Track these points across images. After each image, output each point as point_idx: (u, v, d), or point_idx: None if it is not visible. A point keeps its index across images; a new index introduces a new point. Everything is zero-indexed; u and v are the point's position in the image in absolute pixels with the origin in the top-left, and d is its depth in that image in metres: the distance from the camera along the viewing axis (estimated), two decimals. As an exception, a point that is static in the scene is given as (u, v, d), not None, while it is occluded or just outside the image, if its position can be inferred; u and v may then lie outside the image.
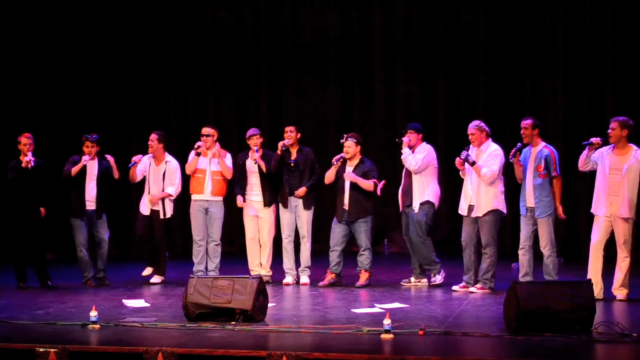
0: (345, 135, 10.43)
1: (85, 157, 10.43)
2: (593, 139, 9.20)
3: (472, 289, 9.79)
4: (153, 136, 10.78)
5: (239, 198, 10.69)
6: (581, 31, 13.13)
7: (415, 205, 10.18)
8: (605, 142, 9.20)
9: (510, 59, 13.42)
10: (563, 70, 13.21)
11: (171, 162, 10.86)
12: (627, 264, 9.06)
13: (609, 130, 9.10)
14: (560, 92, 13.24)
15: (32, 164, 10.17)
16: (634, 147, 9.10)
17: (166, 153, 10.84)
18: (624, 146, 9.07)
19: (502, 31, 13.45)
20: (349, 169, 10.36)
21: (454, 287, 9.93)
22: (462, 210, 9.93)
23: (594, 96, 13.08)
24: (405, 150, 10.23)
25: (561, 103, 13.23)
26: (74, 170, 10.40)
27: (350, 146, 10.33)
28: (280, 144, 10.47)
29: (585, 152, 9.23)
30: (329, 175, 10.44)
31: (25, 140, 10.30)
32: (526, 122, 9.57)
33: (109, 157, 10.64)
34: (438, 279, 10.25)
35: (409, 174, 10.28)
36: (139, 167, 10.73)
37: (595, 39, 13.07)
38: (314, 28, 14.04)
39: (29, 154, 10.22)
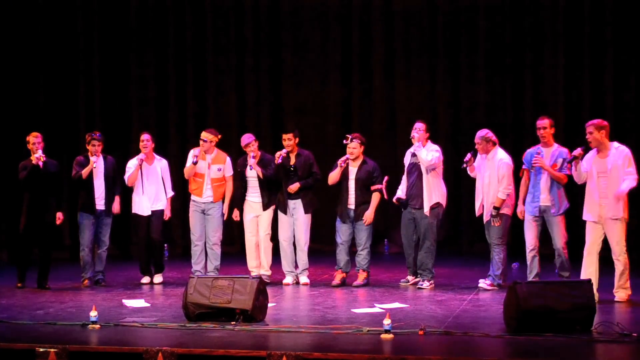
0: (349, 136, 10.38)
1: (93, 159, 10.41)
2: (574, 152, 9.12)
3: (481, 284, 9.84)
4: (147, 136, 10.75)
5: (236, 212, 10.67)
6: (581, 25, 13.13)
7: (426, 209, 10.15)
8: (588, 149, 9.15)
9: (511, 53, 13.41)
10: (563, 60, 13.16)
11: (163, 161, 10.90)
12: (622, 264, 8.98)
13: (587, 136, 9.03)
14: (560, 90, 13.21)
15: (44, 159, 10.15)
16: (613, 144, 9.05)
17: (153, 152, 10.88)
18: (605, 147, 9.02)
19: (502, 29, 13.43)
20: (353, 169, 10.29)
21: (481, 285, 9.93)
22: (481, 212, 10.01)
23: (594, 97, 13.05)
24: (417, 146, 10.06)
25: (561, 100, 13.21)
26: (85, 172, 10.39)
27: (355, 147, 10.28)
28: (277, 154, 10.32)
29: (573, 168, 9.16)
30: (334, 177, 10.33)
31: (33, 140, 10.29)
32: (543, 122, 9.57)
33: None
34: (426, 284, 10.15)
35: (418, 175, 10.14)
36: (133, 170, 10.67)
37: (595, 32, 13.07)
38: (313, 15, 13.99)
39: (39, 151, 10.23)
